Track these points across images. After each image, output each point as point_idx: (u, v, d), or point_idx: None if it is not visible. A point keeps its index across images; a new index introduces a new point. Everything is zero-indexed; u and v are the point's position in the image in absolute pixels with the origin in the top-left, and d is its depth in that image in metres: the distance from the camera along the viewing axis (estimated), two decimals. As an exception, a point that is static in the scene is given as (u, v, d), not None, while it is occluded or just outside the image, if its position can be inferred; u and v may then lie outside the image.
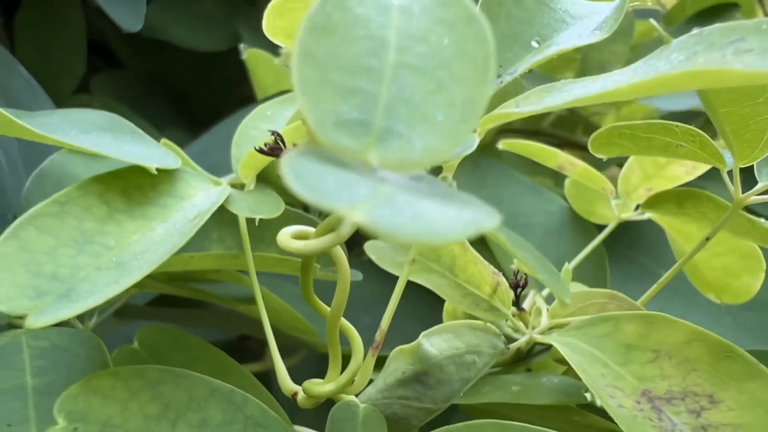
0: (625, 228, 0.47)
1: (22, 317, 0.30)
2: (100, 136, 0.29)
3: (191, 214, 0.25)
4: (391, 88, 0.15)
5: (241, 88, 0.79)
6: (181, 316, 0.42)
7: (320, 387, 0.25)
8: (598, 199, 0.47)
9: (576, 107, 0.69)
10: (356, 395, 0.27)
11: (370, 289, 0.41)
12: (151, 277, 0.34)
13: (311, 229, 0.22)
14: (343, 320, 0.25)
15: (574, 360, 0.26)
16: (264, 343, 0.49)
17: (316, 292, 0.31)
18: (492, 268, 0.30)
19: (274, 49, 0.57)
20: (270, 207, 0.26)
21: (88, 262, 0.23)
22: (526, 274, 0.31)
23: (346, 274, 0.23)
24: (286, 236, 0.21)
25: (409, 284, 0.33)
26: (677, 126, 0.32)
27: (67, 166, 0.34)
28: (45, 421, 0.22)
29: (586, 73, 0.65)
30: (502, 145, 0.47)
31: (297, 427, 0.29)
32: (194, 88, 0.83)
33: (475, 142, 0.24)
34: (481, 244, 0.41)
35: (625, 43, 0.69)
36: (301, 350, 0.46)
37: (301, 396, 0.25)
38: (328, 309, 0.24)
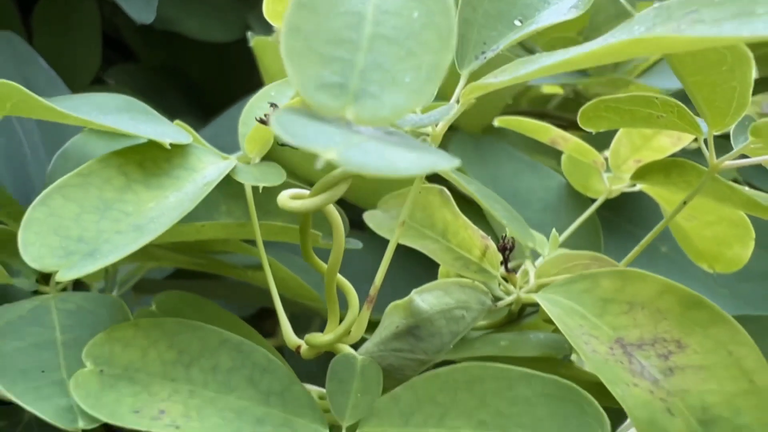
0: (621, 201, 0.49)
1: (48, 284, 0.33)
2: (119, 116, 0.32)
3: (201, 183, 0.28)
4: (366, 57, 0.17)
5: (252, 77, 0.81)
6: (197, 288, 0.44)
7: (320, 337, 0.27)
8: (591, 173, 0.49)
9: (579, 89, 0.71)
10: (356, 350, 0.29)
11: (372, 261, 0.43)
12: (166, 248, 0.37)
13: (308, 191, 0.24)
14: (340, 277, 0.27)
15: (554, 313, 0.28)
16: (264, 330, 0.52)
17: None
18: (481, 232, 0.33)
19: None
20: (273, 176, 0.29)
21: (109, 226, 0.26)
22: (513, 238, 0.34)
23: (341, 231, 0.25)
24: (285, 197, 0.24)
25: (406, 251, 0.35)
26: (657, 98, 0.34)
27: (87, 146, 0.37)
28: (73, 369, 0.25)
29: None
30: (498, 122, 0.49)
31: (303, 385, 0.32)
32: (206, 78, 0.85)
33: (452, 109, 0.26)
34: (477, 215, 0.43)
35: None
36: (315, 320, 0.49)
37: (303, 348, 0.28)
38: (325, 266, 0.26)
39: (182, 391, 0.24)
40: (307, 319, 0.51)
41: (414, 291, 0.29)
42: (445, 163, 0.15)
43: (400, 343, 0.29)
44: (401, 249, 0.35)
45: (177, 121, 0.35)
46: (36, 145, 0.47)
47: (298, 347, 0.28)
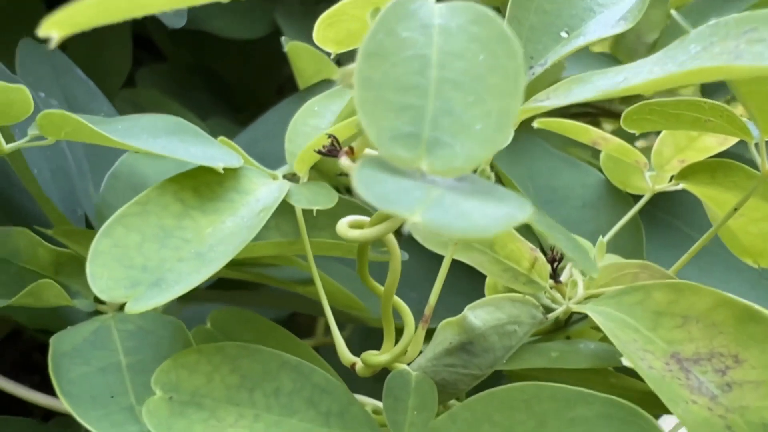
0: (661, 195, 0.49)
1: (105, 304, 0.34)
2: (168, 139, 0.32)
3: (257, 208, 0.28)
4: (435, 102, 0.17)
5: (280, 73, 0.81)
6: (239, 297, 0.45)
7: (377, 357, 0.28)
8: (632, 172, 0.49)
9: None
10: (408, 364, 0.30)
11: (416, 268, 0.43)
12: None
13: (365, 219, 0.25)
14: (395, 297, 0.27)
15: (607, 327, 0.28)
16: (313, 319, 0.52)
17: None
18: (529, 244, 0.33)
19: (311, 34, 0.59)
20: (325, 198, 0.29)
21: (171, 254, 0.26)
22: (560, 250, 0.34)
23: (398, 257, 0.25)
24: (344, 226, 0.24)
25: (453, 262, 0.36)
26: (705, 102, 0.33)
27: (135, 166, 0.37)
28: (140, 393, 0.26)
29: (622, 41, 0.66)
30: (538, 123, 0.49)
31: (356, 396, 0.32)
32: (235, 75, 0.86)
33: (509, 138, 0.26)
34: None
35: (662, 11, 0.69)
36: (348, 326, 0.50)
37: (359, 366, 0.28)
38: (381, 288, 0.27)
39: (247, 416, 0.25)
40: (341, 318, 0.52)
41: (467, 308, 0.30)
42: (522, 216, 0.15)
43: (453, 358, 0.29)
44: (438, 260, 0.35)
45: (222, 138, 0.36)
46: (80, 159, 0.48)
47: (353, 365, 0.29)
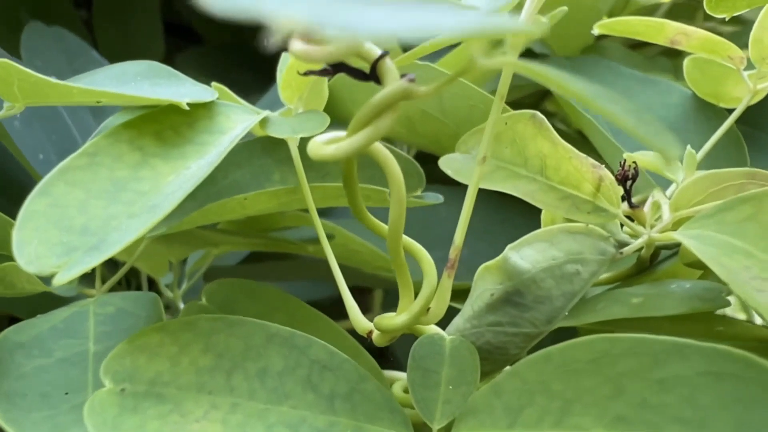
0: (763, 108, 0.40)
1: (94, 287, 0.29)
2: (137, 83, 0.27)
3: (226, 146, 0.22)
4: None
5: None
6: (271, 271, 0.40)
7: (392, 320, 0.21)
8: (726, 76, 0.40)
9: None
10: (443, 327, 0.23)
11: (449, 223, 0.37)
12: (221, 231, 0.32)
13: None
14: (408, 240, 0.21)
15: (706, 254, 0.21)
16: (360, 300, 0.46)
17: (416, 227, 0.27)
18: (591, 160, 0.25)
19: None
20: (313, 124, 0.23)
21: (120, 210, 0.21)
22: (635, 162, 0.26)
23: (399, 181, 0.19)
24: (317, 144, 0.18)
25: (503, 200, 0.29)
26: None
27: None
28: (101, 386, 0.21)
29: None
30: (598, 28, 0.40)
31: (390, 373, 0.26)
32: (274, 52, 0.81)
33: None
34: (579, 141, 0.35)
35: None
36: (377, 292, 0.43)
37: (375, 333, 0.22)
38: (386, 227, 0.20)
39: (222, 406, 0.19)
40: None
41: (509, 247, 0.23)
42: (507, 24, 0.08)
43: (497, 315, 0.23)
44: (496, 198, 0.28)
45: (214, 83, 0.30)
46: (88, 130, 0.44)
47: (370, 332, 0.23)
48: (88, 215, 0.21)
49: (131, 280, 0.42)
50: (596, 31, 0.39)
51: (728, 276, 0.19)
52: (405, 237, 0.21)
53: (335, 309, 0.29)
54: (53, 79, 0.25)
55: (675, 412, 0.16)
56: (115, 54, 0.67)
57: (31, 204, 0.21)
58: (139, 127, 0.24)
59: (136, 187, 0.22)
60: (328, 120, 0.24)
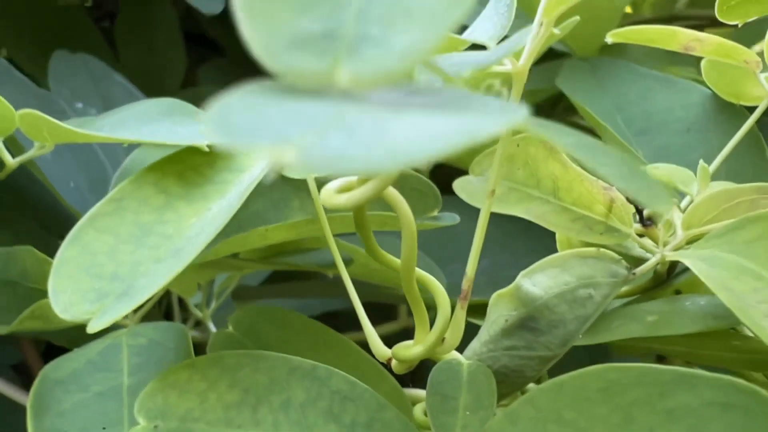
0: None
1: (127, 317, 0.30)
2: (159, 123, 0.29)
3: (246, 184, 0.23)
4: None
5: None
6: (294, 289, 0.41)
7: (408, 350, 0.22)
8: (743, 77, 0.39)
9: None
10: (461, 351, 0.24)
11: (488, 232, 0.37)
12: (245, 258, 0.33)
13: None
14: (421, 272, 0.22)
15: (712, 278, 0.21)
16: (383, 312, 0.47)
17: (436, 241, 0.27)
18: (602, 183, 0.26)
19: None
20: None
21: (147, 255, 0.22)
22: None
23: (409, 218, 0.20)
24: (329, 192, 0.19)
25: (513, 223, 0.29)
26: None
27: (147, 160, 0.34)
28: (136, 421, 0.22)
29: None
30: (612, 37, 0.40)
31: (407, 390, 0.27)
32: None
33: (526, 36, 0.19)
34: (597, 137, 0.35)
35: None
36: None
37: (394, 362, 0.23)
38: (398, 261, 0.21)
39: (250, 440, 0.20)
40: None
41: (521, 274, 0.23)
42: (493, 126, 0.09)
43: (512, 339, 0.23)
44: (513, 218, 0.29)
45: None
46: (118, 162, 0.46)
47: (389, 360, 0.23)
48: (116, 261, 0.22)
49: (162, 300, 0.44)
50: (609, 39, 0.40)
51: (734, 302, 0.19)
52: (418, 270, 0.21)
53: (353, 319, 0.30)
54: (78, 129, 0.27)
55: (682, 443, 0.17)
56: (138, 70, 0.69)
57: (64, 252, 0.22)
58: (163, 169, 0.25)
59: (161, 230, 0.23)
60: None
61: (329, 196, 0.19)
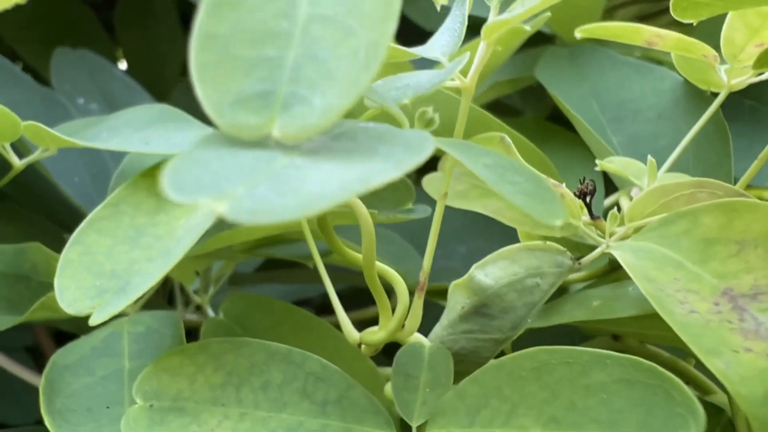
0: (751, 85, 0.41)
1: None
2: (151, 130, 0.31)
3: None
4: (299, 48, 0.14)
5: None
6: (285, 276, 0.44)
7: (373, 335, 0.25)
8: (708, 67, 0.41)
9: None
10: (426, 335, 0.27)
11: (465, 219, 0.40)
12: (235, 249, 0.36)
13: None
14: (381, 266, 0.25)
15: (636, 268, 0.24)
16: (369, 297, 0.50)
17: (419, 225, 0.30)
18: (551, 180, 0.28)
19: None
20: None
21: (141, 255, 0.25)
22: (592, 180, 0.29)
23: (366, 218, 0.22)
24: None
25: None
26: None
27: (143, 161, 0.37)
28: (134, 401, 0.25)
29: None
30: (580, 32, 0.42)
31: (385, 369, 0.30)
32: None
33: (459, 66, 0.22)
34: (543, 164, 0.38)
35: None
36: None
37: (364, 345, 0.26)
38: (360, 256, 0.24)
39: (232, 416, 0.23)
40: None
41: (474, 266, 0.26)
42: (392, 171, 0.12)
43: (468, 324, 0.26)
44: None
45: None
46: (118, 158, 0.48)
47: (360, 344, 0.26)
48: (114, 261, 0.25)
49: (165, 285, 0.47)
50: (578, 34, 0.42)
51: (650, 290, 0.22)
52: (379, 264, 0.24)
53: (344, 302, 0.32)
54: (77, 140, 0.29)
55: (594, 414, 0.20)
56: (138, 60, 0.71)
57: (67, 253, 0.25)
58: (155, 174, 0.28)
59: (153, 231, 0.26)
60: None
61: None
